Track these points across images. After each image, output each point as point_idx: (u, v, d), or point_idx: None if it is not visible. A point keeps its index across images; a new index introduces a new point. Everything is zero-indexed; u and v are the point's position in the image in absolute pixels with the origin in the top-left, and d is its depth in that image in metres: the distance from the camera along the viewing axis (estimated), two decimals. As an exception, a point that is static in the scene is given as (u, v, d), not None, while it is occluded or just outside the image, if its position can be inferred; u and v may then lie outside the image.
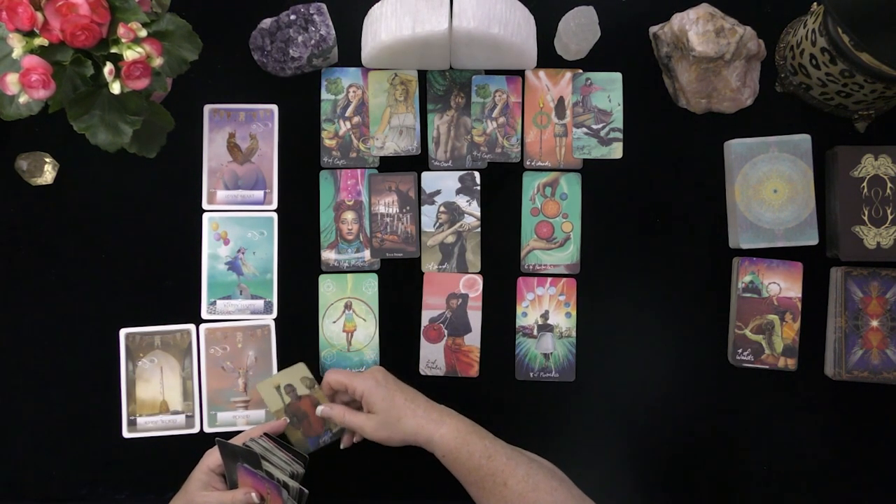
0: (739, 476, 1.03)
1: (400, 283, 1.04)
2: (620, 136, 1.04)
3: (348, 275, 1.04)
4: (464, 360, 1.04)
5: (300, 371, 0.99)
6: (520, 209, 1.04)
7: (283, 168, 1.05)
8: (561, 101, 1.05)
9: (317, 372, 1.03)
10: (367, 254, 1.04)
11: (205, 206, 1.04)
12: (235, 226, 1.04)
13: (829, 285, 1.02)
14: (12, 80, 0.79)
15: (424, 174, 1.05)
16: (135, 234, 1.04)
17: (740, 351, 1.01)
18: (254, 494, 0.86)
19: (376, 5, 0.98)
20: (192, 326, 1.03)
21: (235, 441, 0.92)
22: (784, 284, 1.01)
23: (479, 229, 1.04)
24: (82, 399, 1.03)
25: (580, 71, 1.05)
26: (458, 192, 1.04)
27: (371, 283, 1.04)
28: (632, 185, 1.04)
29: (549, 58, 1.05)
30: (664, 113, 1.05)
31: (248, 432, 0.94)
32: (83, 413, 1.03)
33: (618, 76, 1.05)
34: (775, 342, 1.01)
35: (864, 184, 0.99)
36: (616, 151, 1.04)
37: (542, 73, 1.05)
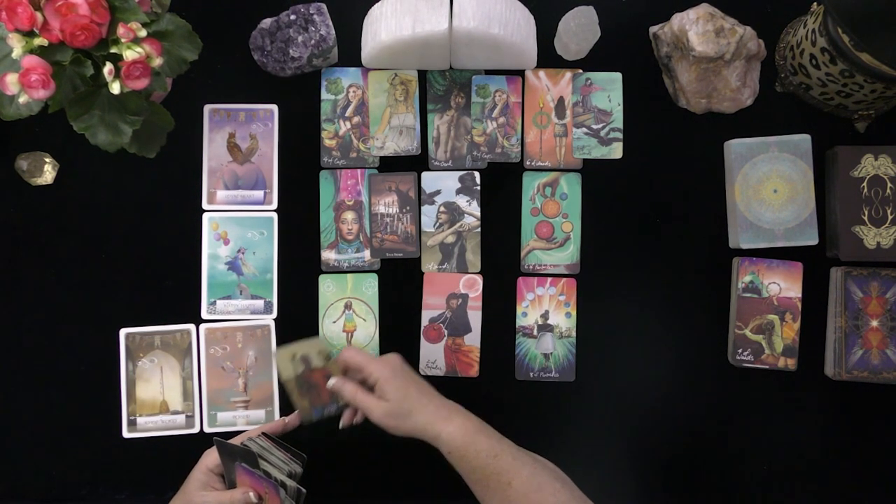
0: (739, 476, 1.03)
1: (400, 283, 1.04)
2: (620, 136, 1.04)
3: (348, 275, 1.04)
4: (464, 360, 1.04)
5: (318, 344, 0.97)
6: (520, 209, 1.04)
7: (283, 168, 1.05)
8: (561, 101, 1.05)
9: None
10: (367, 254, 1.04)
11: (205, 206, 1.04)
12: (235, 226, 1.04)
13: (829, 285, 1.02)
14: (12, 80, 0.79)
15: (424, 174, 1.05)
16: (135, 234, 1.04)
17: (740, 351, 1.01)
18: (252, 494, 0.86)
19: (376, 5, 0.98)
20: (192, 326, 1.03)
21: (234, 441, 0.92)
22: (784, 284, 1.01)
23: (479, 229, 1.04)
24: (82, 399, 1.03)
25: (580, 71, 1.05)
26: (458, 192, 1.04)
27: (371, 283, 1.04)
28: (632, 185, 1.04)
29: (549, 58, 1.04)
30: (664, 113, 1.05)
31: (247, 433, 0.94)
32: (83, 413, 1.03)
33: (618, 76, 1.05)
34: (775, 342, 1.01)
35: (864, 184, 0.99)
36: (616, 151, 1.04)
37: (542, 73, 1.05)
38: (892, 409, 1.03)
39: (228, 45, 1.04)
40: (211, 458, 0.91)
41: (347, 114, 1.05)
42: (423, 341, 1.04)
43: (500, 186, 1.05)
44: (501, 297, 1.04)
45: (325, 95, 1.05)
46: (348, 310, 1.04)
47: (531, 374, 1.04)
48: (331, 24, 1.02)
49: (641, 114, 1.05)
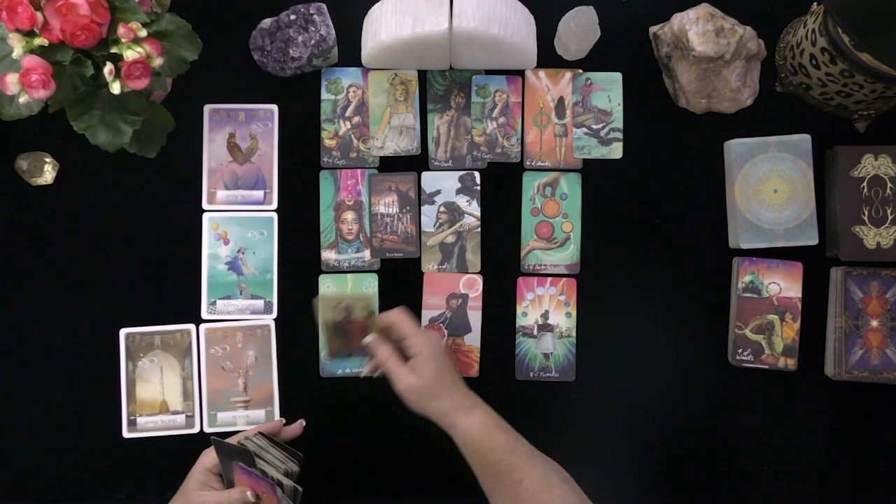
0: (739, 476, 1.03)
1: (400, 283, 1.04)
2: (620, 136, 1.04)
3: (348, 275, 1.04)
4: (464, 360, 1.04)
5: (364, 299, 0.97)
6: (520, 209, 1.04)
7: (283, 168, 1.05)
8: (561, 101, 1.05)
9: (319, 371, 1.03)
10: (367, 254, 1.04)
11: (205, 206, 1.04)
12: (235, 226, 1.04)
13: (829, 285, 1.02)
14: (12, 80, 0.79)
15: (424, 174, 1.05)
16: (135, 234, 1.04)
17: (740, 351, 1.01)
18: (249, 493, 0.86)
19: (376, 5, 0.98)
20: (192, 326, 1.03)
21: (231, 440, 0.92)
22: (784, 284, 1.01)
23: (479, 229, 1.04)
24: (82, 399, 1.03)
25: (580, 71, 1.05)
26: (458, 192, 1.04)
27: (371, 283, 1.04)
28: (632, 185, 1.04)
29: (549, 58, 1.04)
30: (664, 113, 1.05)
31: (244, 432, 0.94)
32: (83, 413, 1.03)
33: (618, 76, 1.05)
34: (775, 342, 1.01)
35: (864, 184, 0.99)
36: (616, 151, 1.04)
37: (542, 73, 1.05)
38: (892, 409, 1.03)
39: (228, 45, 1.04)
40: (209, 457, 0.91)
41: (347, 114, 1.05)
42: (423, 341, 1.04)
43: (500, 186, 1.05)
44: (501, 297, 1.04)
45: (325, 95, 1.05)
46: (348, 310, 1.04)
47: (531, 374, 1.04)
48: (331, 24, 1.02)
49: (641, 114, 1.05)
